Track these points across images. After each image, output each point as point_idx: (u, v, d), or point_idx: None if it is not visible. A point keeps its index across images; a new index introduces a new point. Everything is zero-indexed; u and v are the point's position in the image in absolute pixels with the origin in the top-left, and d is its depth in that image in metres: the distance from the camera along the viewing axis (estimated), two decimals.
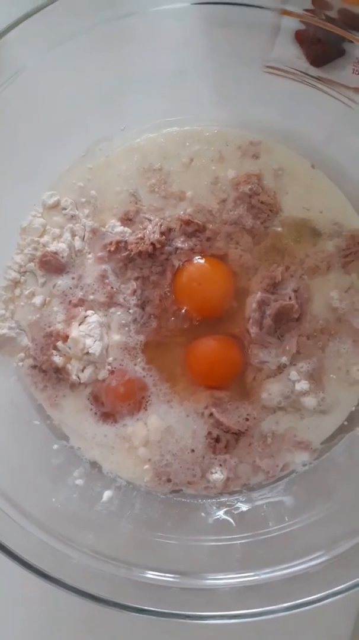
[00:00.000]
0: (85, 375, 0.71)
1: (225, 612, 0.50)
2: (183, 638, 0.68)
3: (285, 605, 0.49)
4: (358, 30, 0.67)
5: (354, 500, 0.63)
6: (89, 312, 0.72)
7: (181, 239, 0.73)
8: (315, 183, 0.76)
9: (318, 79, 0.73)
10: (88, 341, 0.70)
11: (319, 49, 0.71)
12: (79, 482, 0.68)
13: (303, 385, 0.69)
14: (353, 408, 0.71)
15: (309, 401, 0.69)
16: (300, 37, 0.72)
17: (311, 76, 0.73)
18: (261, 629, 0.67)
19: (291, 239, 0.74)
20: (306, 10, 0.68)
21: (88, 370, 0.71)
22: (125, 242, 0.73)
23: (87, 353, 0.69)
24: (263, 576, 0.55)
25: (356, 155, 0.74)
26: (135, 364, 0.72)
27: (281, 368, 0.71)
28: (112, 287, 0.73)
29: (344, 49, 0.69)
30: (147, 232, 0.72)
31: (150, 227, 0.73)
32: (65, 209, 0.75)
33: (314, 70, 0.73)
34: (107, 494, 0.68)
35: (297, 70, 0.74)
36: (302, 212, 0.75)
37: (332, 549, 0.56)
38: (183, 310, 0.72)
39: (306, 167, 0.76)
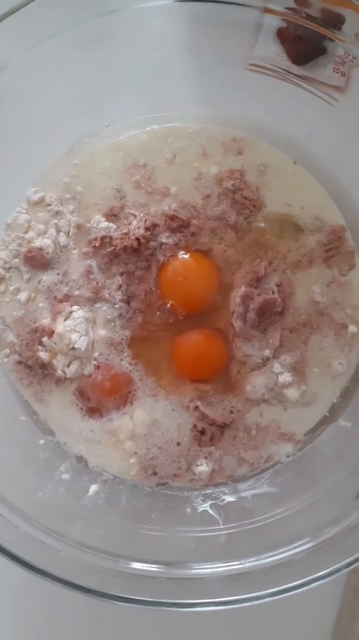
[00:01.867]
0: (71, 371, 0.71)
1: (212, 600, 0.51)
2: (171, 628, 0.69)
3: (271, 591, 0.50)
4: (338, 29, 0.68)
5: (337, 489, 0.65)
6: (75, 307, 0.72)
7: (166, 235, 0.74)
8: (297, 179, 0.77)
9: (299, 76, 0.74)
10: (74, 336, 0.70)
11: (301, 47, 0.72)
12: (66, 476, 0.69)
13: (286, 377, 0.70)
14: (334, 400, 0.72)
15: (292, 393, 0.70)
16: (282, 35, 0.73)
17: (293, 74, 0.74)
18: (248, 616, 0.69)
19: (274, 234, 0.75)
20: (288, 8, 0.68)
21: (74, 366, 0.71)
22: (110, 237, 0.73)
23: (73, 348, 0.70)
24: (248, 564, 0.56)
25: (337, 152, 0.75)
26: (121, 359, 0.72)
27: (264, 361, 0.71)
28: (97, 283, 0.73)
29: (326, 47, 0.70)
30: (132, 227, 0.73)
31: (134, 222, 0.73)
32: (49, 205, 0.75)
33: (296, 68, 0.74)
34: (93, 488, 0.68)
35: (279, 67, 0.74)
36: (284, 207, 0.76)
37: (315, 536, 0.57)
38: (169, 305, 0.73)
39: (289, 163, 0.77)
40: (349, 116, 0.73)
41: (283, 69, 0.75)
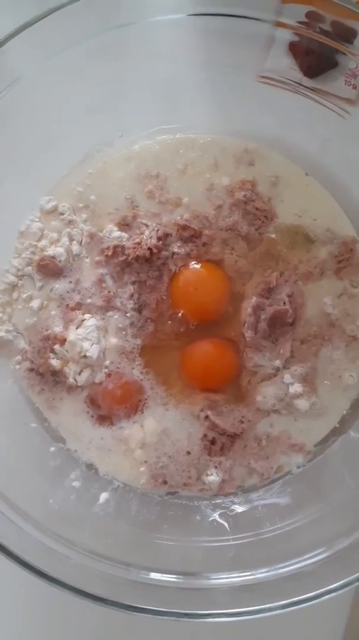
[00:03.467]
0: (82, 379, 0.71)
1: (223, 611, 0.51)
2: (180, 638, 0.69)
3: (282, 603, 0.50)
4: (350, 43, 0.68)
5: (347, 501, 0.64)
6: (86, 315, 0.73)
7: (178, 244, 0.74)
8: (309, 190, 0.77)
9: (311, 89, 0.75)
10: (86, 344, 0.70)
11: (313, 60, 0.73)
12: (76, 484, 0.69)
13: (296, 388, 0.70)
14: (344, 412, 0.72)
15: (303, 404, 0.70)
16: (294, 48, 0.73)
17: (305, 86, 0.75)
18: (257, 627, 0.68)
19: (285, 245, 0.75)
20: (300, 22, 0.69)
21: (86, 374, 0.71)
22: (123, 246, 0.74)
23: (84, 356, 0.70)
24: (259, 575, 0.56)
25: (348, 164, 0.76)
26: (133, 368, 0.73)
27: (275, 371, 0.72)
28: (109, 291, 0.74)
29: (337, 60, 0.70)
30: (144, 237, 0.73)
31: (147, 232, 0.74)
32: (62, 214, 0.76)
33: (307, 81, 0.75)
34: (103, 496, 0.68)
35: (291, 80, 0.75)
36: (296, 219, 0.76)
37: (326, 548, 0.57)
38: (180, 314, 0.73)
39: (300, 174, 0.78)
40: None
41: (294, 82, 0.75)
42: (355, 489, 0.66)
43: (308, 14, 0.69)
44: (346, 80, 0.72)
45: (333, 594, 0.50)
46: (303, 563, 0.57)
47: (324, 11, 0.67)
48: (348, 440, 0.71)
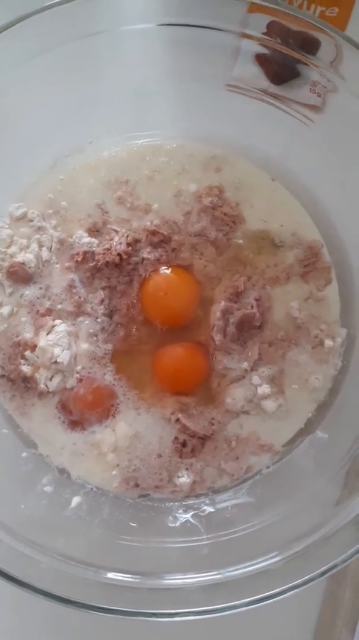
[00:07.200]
0: (53, 384, 0.72)
1: (192, 609, 0.52)
2: (153, 637, 0.69)
3: (247, 600, 0.51)
4: (313, 54, 0.70)
5: (315, 498, 0.66)
6: (57, 321, 0.73)
7: (148, 250, 0.75)
8: (275, 196, 0.79)
9: (277, 97, 0.76)
10: (57, 350, 0.71)
11: (279, 69, 0.75)
12: (48, 488, 0.69)
13: (264, 389, 0.72)
14: (310, 414, 0.74)
15: (270, 404, 0.72)
16: (260, 58, 0.75)
17: (271, 94, 0.77)
18: (231, 626, 0.69)
19: (252, 251, 0.77)
20: (264, 33, 0.71)
21: (57, 379, 0.72)
22: (93, 252, 0.74)
23: (55, 362, 0.70)
24: (227, 574, 0.57)
25: (312, 169, 0.78)
26: (105, 373, 0.73)
27: (244, 373, 0.73)
28: (79, 297, 0.74)
29: (299, 71, 0.72)
30: (114, 243, 0.74)
31: (116, 238, 0.75)
32: (32, 220, 0.76)
33: (273, 88, 0.76)
34: (75, 500, 0.69)
35: (257, 89, 0.77)
36: (262, 224, 0.78)
37: (292, 546, 0.58)
38: (150, 319, 0.74)
39: (267, 180, 0.79)
40: (324, 135, 0.75)
41: (260, 90, 0.77)
42: (322, 487, 0.67)
43: (271, 25, 0.70)
44: (311, 88, 0.74)
45: (298, 589, 0.52)
46: (271, 560, 0.58)
47: (287, 22, 0.68)
48: (315, 440, 0.72)
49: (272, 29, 0.70)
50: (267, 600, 0.52)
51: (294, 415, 0.73)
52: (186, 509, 0.71)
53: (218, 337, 0.73)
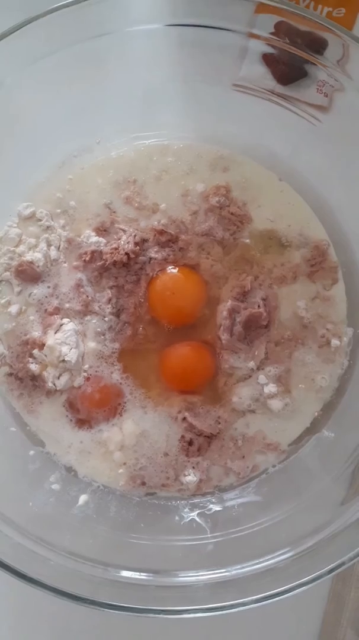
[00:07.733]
0: (61, 383, 0.72)
1: (199, 606, 0.52)
2: (159, 635, 0.70)
3: (254, 597, 0.52)
4: (320, 54, 0.70)
5: (321, 497, 0.66)
6: (65, 320, 0.74)
7: (155, 249, 0.76)
8: (283, 195, 0.79)
9: (284, 96, 0.77)
10: (64, 349, 0.71)
11: (286, 69, 0.75)
12: (55, 486, 0.70)
13: (271, 388, 0.72)
14: (316, 414, 0.74)
15: (276, 404, 0.72)
16: (267, 58, 0.75)
17: (278, 94, 0.77)
18: (237, 623, 0.70)
19: (259, 250, 0.77)
20: (271, 33, 0.71)
21: (64, 378, 0.72)
22: (100, 251, 0.75)
23: (63, 360, 0.71)
24: (234, 572, 0.57)
25: (320, 169, 0.78)
26: (112, 371, 0.74)
27: (250, 373, 0.73)
28: (87, 296, 0.75)
29: (307, 70, 0.72)
30: (122, 242, 0.74)
31: (124, 237, 0.75)
32: (40, 220, 0.77)
33: (280, 88, 0.77)
34: (83, 498, 0.69)
35: (264, 88, 0.77)
36: (270, 224, 0.78)
37: (298, 544, 0.58)
38: (157, 318, 0.75)
39: (274, 180, 0.80)
40: (332, 135, 0.75)
41: (268, 90, 0.77)
42: (328, 486, 0.68)
43: (278, 25, 0.71)
44: (318, 88, 0.74)
45: (305, 587, 0.52)
46: (278, 558, 0.58)
47: (294, 22, 0.69)
48: (322, 439, 0.73)
49: (280, 29, 0.70)
50: (275, 597, 0.52)
51: (300, 415, 0.73)
52: (193, 508, 0.71)
53: (224, 337, 0.73)
